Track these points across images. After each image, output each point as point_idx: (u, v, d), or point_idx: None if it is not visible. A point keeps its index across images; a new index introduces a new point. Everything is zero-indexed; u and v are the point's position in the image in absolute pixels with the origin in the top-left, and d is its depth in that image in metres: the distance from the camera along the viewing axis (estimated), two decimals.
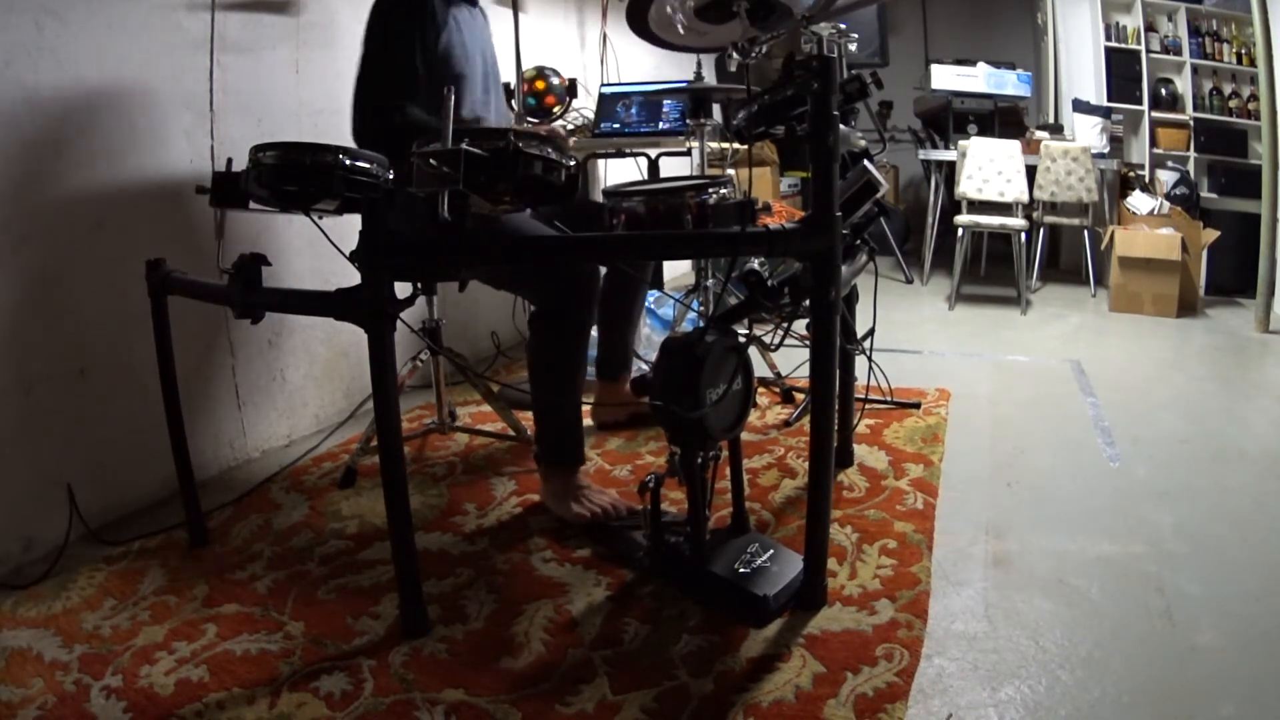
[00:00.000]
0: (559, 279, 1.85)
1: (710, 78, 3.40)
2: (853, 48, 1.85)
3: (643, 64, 4.25)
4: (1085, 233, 4.78)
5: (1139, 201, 4.45)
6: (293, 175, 1.55)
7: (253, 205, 1.66)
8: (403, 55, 1.91)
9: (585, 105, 3.53)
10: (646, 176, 3.60)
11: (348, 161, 1.54)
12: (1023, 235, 4.30)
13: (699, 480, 1.55)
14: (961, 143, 4.60)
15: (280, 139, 1.61)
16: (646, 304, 3.09)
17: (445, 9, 1.97)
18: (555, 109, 3.30)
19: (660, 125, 3.30)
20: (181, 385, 1.80)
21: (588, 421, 2.53)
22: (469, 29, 2.04)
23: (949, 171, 4.95)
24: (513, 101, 3.12)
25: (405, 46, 1.91)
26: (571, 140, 3.24)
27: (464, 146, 1.36)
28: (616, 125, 3.36)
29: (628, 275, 2.34)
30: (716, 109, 3.66)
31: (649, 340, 2.98)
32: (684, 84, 2.78)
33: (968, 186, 4.49)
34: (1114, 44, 4.98)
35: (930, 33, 6.91)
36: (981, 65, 5.16)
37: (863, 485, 2.06)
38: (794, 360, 2.82)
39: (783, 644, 1.42)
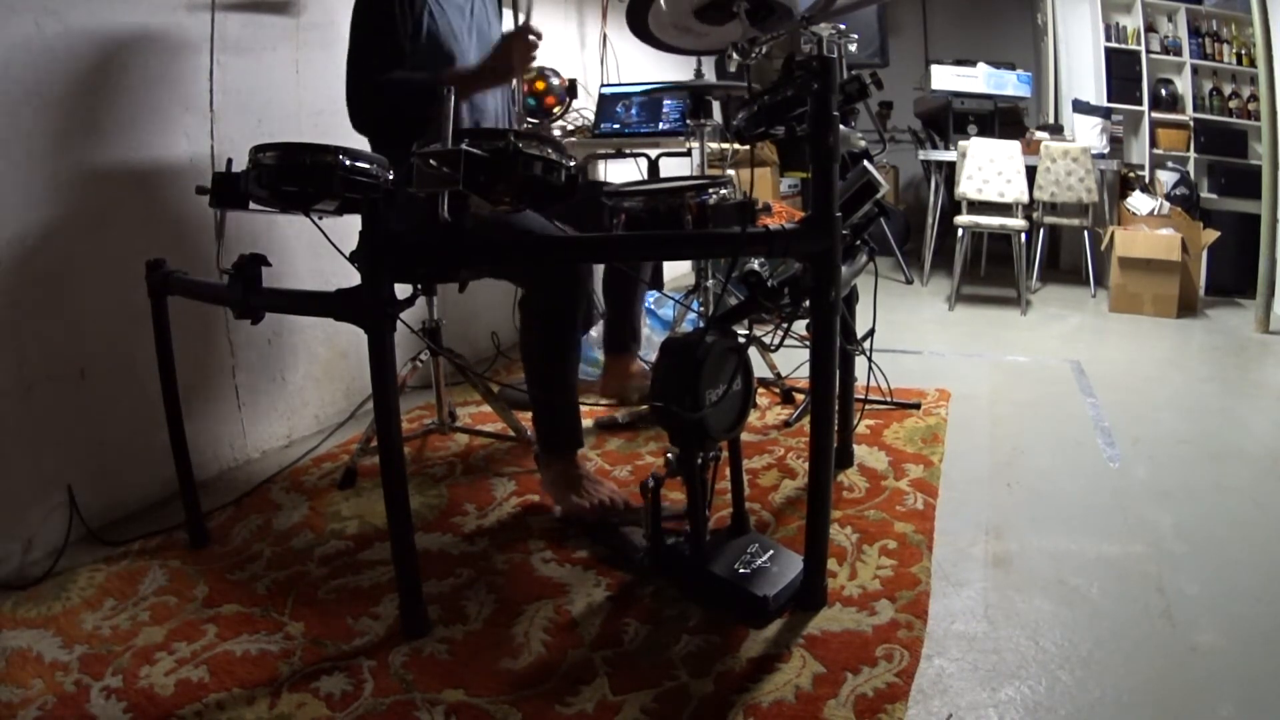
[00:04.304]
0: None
1: (710, 79, 3.40)
2: (853, 48, 1.84)
3: (643, 64, 4.25)
4: (1085, 233, 4.78)
5: (1139, 202, 4.45)
6: (293, 175, 1.55)
7: (253, 205, 1.66)
8: (387, 40, 1.92)
9: (585, 106, 3.53)
10: (646, 177, 3.60)
11: (348, 162, 1.54)
12: (1022, 236, 4.30)
13: (699, 480, 1.55)
14: (961, 143, 4.60)
15: (280, 139, 1.60)
16: (646, 304, 3.09)
17: None
18: (555, 109, 3.30)
19: (660, 125, 3.30)
20: (181, 385, 1.80)
21: (588, 422, 2.52)
22: (453, 11, 2.04)
23: (949, 172, 4.95)
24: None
25: (387, 34, 1.92)
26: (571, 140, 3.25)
27: (464, 147, 1.36)
28: (616, 125, 3.36)
29: None
30: (716, 108, 3.66)
31: (649, 340, 2.97)
32: (684, 82, 2.78)
33: (967, 187, 4.49)
34: (1114, 44, 4.98)
35: (930, 33, 6.91)
36: (981, 65, 5.16)
37: (863, 485, 2.06)
38: (794, 360, 2.82)
39: (783, 644, 1.42)
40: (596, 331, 2.85)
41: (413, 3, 1.94)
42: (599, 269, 2.37)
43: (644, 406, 2.45)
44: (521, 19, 1.93)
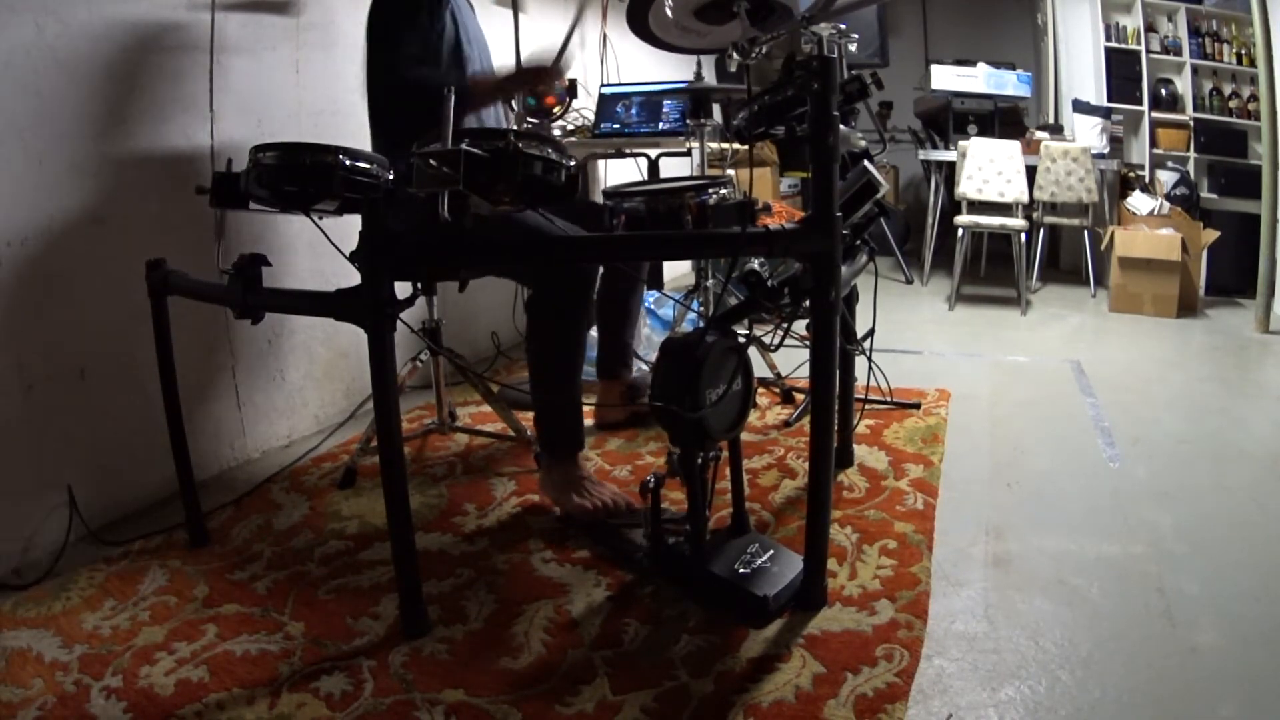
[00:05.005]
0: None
1: (710, 78, 3.39)
2: (853, 48, 1.84)
3: (643, 64, 4.25)
4: (1085, 233, 4.78)
5: (1139, 202, 4.45)
6: (293, 175, 1.55)
7: (253, 205, 1.66)
8: (412, 42, 1.94)
9: (585, 105, 3.53)
10: (646, 177, 3.60)
11: (348, 162, 1.54)
12: (1023, 235, 4.30)
13: (699, 480, 1.55)
14: (961, 143, 4.60)
15: (280, 139, 1.61)
16: (646, 304, 3.09)
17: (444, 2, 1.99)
18: (555, 109, 3.30)
19: (660, 125, 3.30)
20: (181, 385, 1.80)
21: (589, 421, 2.52)
22: (468, 16, 2.07)
23: (949, 172, 4.95)
24: (513, 102, 3.13)
25: (409, 36, 1.93)
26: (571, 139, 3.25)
27: (464, 147, 1.36)
28: (616, 125, 3.36)
29: (625, 274, 2.34)
30: (716, 109, 3.66)
31: (649, 340, 2.98)
32: (684, 84, 2.78)
33: (968, 187, 4.49)
34: (1114, 44, 4.98)
35: (930, 33, 6.91)
36: (981, 65, 5.16)
37: (863, 485, 2.06)
38: (794, 360, 2.82)
39: (783, 644, 1.42)
40: (595, 332, 2.85)
41: (439, 4, 1.95)
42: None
43: (643, 406, 2.45)
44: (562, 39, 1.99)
